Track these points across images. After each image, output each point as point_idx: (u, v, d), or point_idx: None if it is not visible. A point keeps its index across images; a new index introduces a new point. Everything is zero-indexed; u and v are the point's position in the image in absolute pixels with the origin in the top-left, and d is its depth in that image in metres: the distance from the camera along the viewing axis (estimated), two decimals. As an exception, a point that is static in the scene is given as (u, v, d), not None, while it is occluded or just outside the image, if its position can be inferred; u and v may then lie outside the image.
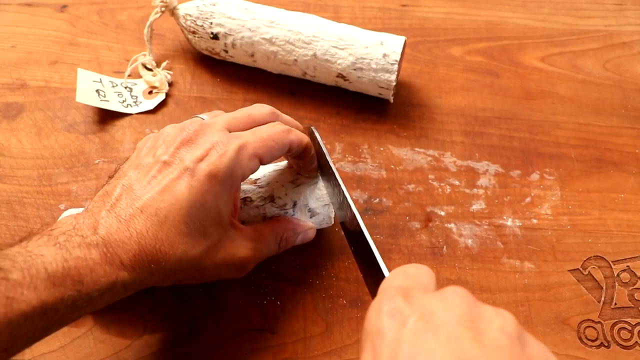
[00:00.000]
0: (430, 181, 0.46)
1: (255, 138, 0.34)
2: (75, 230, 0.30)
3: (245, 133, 0.34)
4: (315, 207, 0.39)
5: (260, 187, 0.38)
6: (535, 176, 0.46)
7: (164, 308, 0.40)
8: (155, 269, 0.31)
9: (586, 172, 0.46)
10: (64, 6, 0.54)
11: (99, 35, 0.52)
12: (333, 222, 0.41)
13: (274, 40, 0.46)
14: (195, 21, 0.47)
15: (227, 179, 0.32)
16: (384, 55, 0.44)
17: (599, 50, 0.53)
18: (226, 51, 0.48)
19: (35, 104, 0.48)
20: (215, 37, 0.47)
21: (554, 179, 0.46)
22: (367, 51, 0.45)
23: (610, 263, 0.43)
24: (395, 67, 0.45)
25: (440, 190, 0.45)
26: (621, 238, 0.44)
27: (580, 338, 0.40)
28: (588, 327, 0.40)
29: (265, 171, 0.40)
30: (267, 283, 0.41)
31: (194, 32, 0.48)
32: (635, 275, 0.42)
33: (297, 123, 0.39)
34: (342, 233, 0.43)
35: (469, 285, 0.41)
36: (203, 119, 0.35)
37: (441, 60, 0.52)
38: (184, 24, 0.48)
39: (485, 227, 0.44)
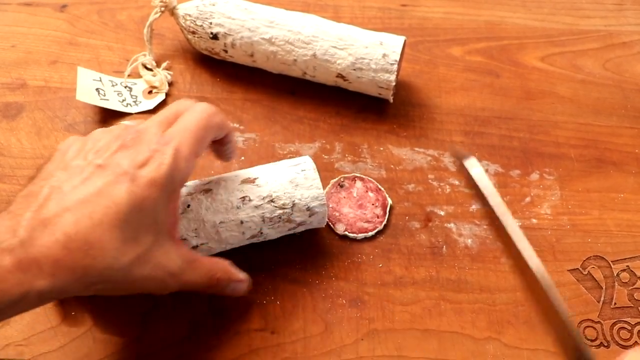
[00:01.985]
0: (430, 181, 0.46)
1: (187, 135, 0.33)
2: None
3: (176, 131, 0.33)
4: (314, 206, 0.39)
5: (258, 186, 0.38)
6: (535, 176, 0.46)
7: (164, 308, 0.40)
8: (80, 275, 0.28)
9: (586, 172, 0.46)
10: (64, 6, 0.54)
11: (99, 35, 0.52)
12: (326, 222, 0.41)
13: (273, 40, 0.46)
14: (194, 21, 0.47)
15: (168, 185, 0.32)
16: (384, 55, 0.44)
17: (599, 50, 0.53)
18: (226, 51, 0.48)
19: (35, 103, 0.48)
20: (214, 37, 0.47)
21: (553, 179, 0.46)
22: (366, 51, 0.45)
23: (610, 263, 0.43)
24: (395, 67, 0.45)
25: (440, 190, 0.45)
26: (621, 238, 0.44)
27: (579, 338, 0.40)
28: (588, 326, 0.40)
29: (263, 170, 0.40)
30: (267, 283, 0.41)
31: (193, 32, 0.48)
32: (635, 275, 0.42)
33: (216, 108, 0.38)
34: (342, 233, 0.43)
35: (468, 285, 0.41)
36: (133, 126, 0.35)
37: (441, 60, 0.52)
38: (183, 24, 0.48)
39: (485, 227, 0.44)
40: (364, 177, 0.45)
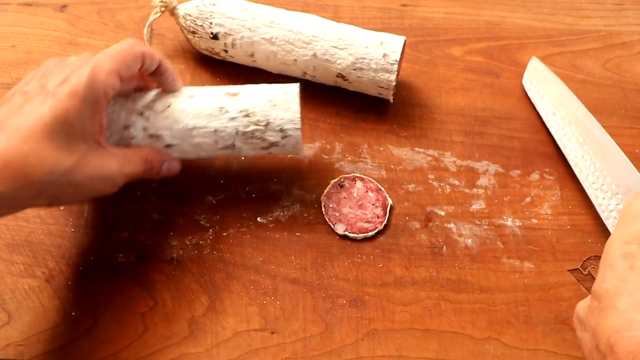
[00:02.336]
0: (430, 181, 0.46)
1: (106, 56, 0.36)
2: None
3: (97, 55, 0.37)
4: (288, 129, 0.40)
5: (238, 100, 0.40)
6: (535, 176, 0.46)
7: (164, 308, 0.40)
8: (23, 183, 0.32)
9: (586, 172, 0.46)
10: (64, 6, 0.54)
11: (99, 35, 0.52)
12: (302, 149, 0.42)
13: (273, 40, 0.46)
14: (195, 21, 0.47)
15: (89, 96, 0.34)
16: (384, 55, 0.44)
17: (599, 50, 0.53)
18: (226, 51, 0.48)
19: (35, 103, 0.48)
20: (215, 37, 0.47)
21: (553, 179, 0.46)
22: (367, 51, 0.45)
23: (610, 263, 0.42)
24: (395, 67, 0.44)
25: (440, 190, 0.45)
26: (621, 238, 0.44)
27: (580, 338, 0.40)
28: (588, 327, 0.40)
29: (249, 87, 0.41)
30: (267, 283, 0.41)
31: (193, 32, 0.48)
32: (635, 275, 0.42)
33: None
34: (343, 233, 0.43)
35: (469, 285, 0.41)
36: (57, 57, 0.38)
37: (441, 60, 0.52)
38: (183, 24, 0.48)
39: (485, 227, 0.44)
40: (364, 177, 0.45)
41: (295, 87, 0.41)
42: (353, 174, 0.45)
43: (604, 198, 0.43)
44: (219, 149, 0.41)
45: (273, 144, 0.40)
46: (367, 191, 0.44)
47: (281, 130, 0.40)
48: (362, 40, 0.45)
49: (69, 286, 0.40)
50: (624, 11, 0.56)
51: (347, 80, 0.46)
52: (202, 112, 0.39)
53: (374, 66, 0.45)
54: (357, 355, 0.39)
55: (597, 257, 0.43)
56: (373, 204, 0.44)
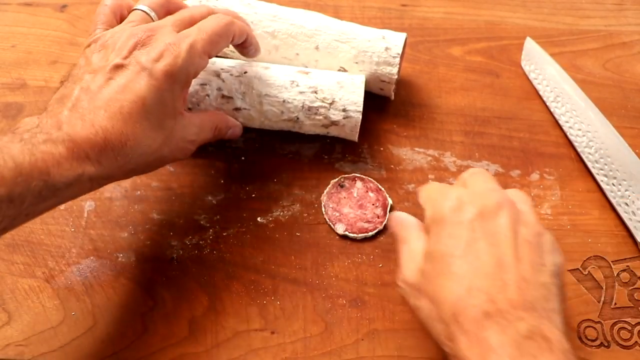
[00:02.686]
0: (430, 181, 0.46)
1: (202, 36, 0.37)
2: (39, 128, 0.32)
3: (192, 30, 0.37)
4: (350, 110, 0.42)
5: (309, 78, 0.43)
6: (535, 176, 0.46)
7: (164, 308, 0.40)
8: (122, 162, 0.33)
9: (586, 171, 0.46)
10: (64, 6, 0.54)
11: (99, 35, 0.52)
12: (357, 133, 0.44)
13: (276, 33, 0.46)
14: None
15: (182, 77, 0.36)
16: (386, 49, 0.45)
17: (599, 50, 0.53)
18: (228, 45, 0.47)
19: (35, 103, 0.48)
20: None
21: (553, 179, 0.46)
22: (369, 44, 0.45)
23: (610, 263, 0.43)
24: (397, 60, 0.45)
25: (440, 190, 0.45)
26: (621, 238, 0.44)
27: (580, 338, 0.40)
28: (588, 327, 0.40)
29: (320, 71, 0.44)
30: (267, 283, 0.41)
31: None
32: (635, 275, 0.42)
33: (235, 13, 0.43)
34: (343, 233, 0.43)
35: (468, 285, 0.41)
36: (146, 13, 0.38)
37: (441, 60, 0.52)
38: None
39: (485, 227, 0.44)
40: (364, 177, 0.45)
41: (361, 77, 0.44)
42: (353, 174, 0.45)
43: (613, 184, 0.43)
44: (283, 121, 0.44)
45: (334, 123, 0.43)
46: (367, 191, 0.44)
47: (344, 110, 0.42)
48: (364, 35, 0.45)
49: (69, 286, 0.40)
50: (624, 11, 0.56)
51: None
52: (275, 82, 0.43)
53: (376, 59, 0.45)
54: (357, 355, 0.39)
55: (597, 257, 0.43)
56: (373, 204, 0.44)
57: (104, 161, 0.32)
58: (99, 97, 0.33)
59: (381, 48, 0.45)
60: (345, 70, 0.46)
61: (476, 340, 0.27)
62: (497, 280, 0.29)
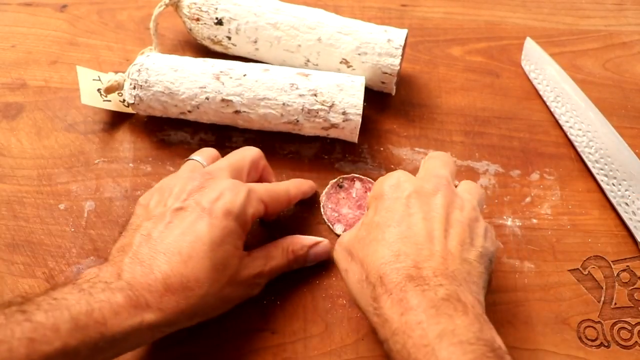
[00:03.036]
0: (430, 181, 0.46)
1: (262, 188, 0.38)
2: (98, 278, 0.31)
3: (252, 183, 0.38)
4: (350, 113, 0.42)
5: (309, 80, 0.43)
6: (535, 176, 0.46)
7: (164, 308, 0.40)
8: (184, 307, 0.32)
9: (586, 171, 0.46)
10: (64, 6, 0.54)
11: (99, 35, 0.52)
12: (357, 135, 0.44)
13: (278, 25, 0.46)
14: (200, 8, 0.47)
15: (241, 216, 0.35)
16: (389, 40, 0.45)
17: (599, 50, 0.53)
18: (229, 38, 0.48)
19: (35, 103, 0.48)
20: (219, 22, 0.47)
21: (553, 179, 0.46)
22: (371, 36, 0.45)
23: (610, 263, 0.43)
24: (400, 51, 0.45)
25: (440, 190, 0.45)
26: (621, 238, 0.44)
27: (580, 338, 0.40)
28: (588, 327, 0.40)
29: (320, 73, 0.44)
30: (267, 283, 0.41)
31: (197, 20, 0.47)
32: (635, 275, 0.42)
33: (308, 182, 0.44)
34: (341, 233, 0.43)
35: (468, 285, 0.41)
36: (199, 162, 0.39)
37: (441, 60, 0.52)
38: (187, 13, 0.48)
39: (485, 227, 0.44)
40: (363, 177, 0.45)
41: (361, 78, 0.43)
42: (352, 175, 0.45)
43: (613, 184, 0.43)
44: (283, 123, 0.44)
45: (333, 125, 0.43)
46: (365, 192, 0.44)
47: (343, 113, 0.42)
48: (366, 28, 0.46)
49: (69, 286, 0.40)
50: (624, 11, 0.56)
51: (351, 66, 0.46)
52: (274, 85, 0.43)
53: (378, 50, 0.45)
54: (357, 355, 0.39)
55: (597, 257, 0.43)
56: None
57: (165, 307, 0.31)
58: (159, 242, 0.33)
59: (383, 40, 0.45)
60: (347, 63, 0.46)
61: (398, 300, 0.29)
62: (424, 250, 0.31)
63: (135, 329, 0.30)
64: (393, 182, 0.35)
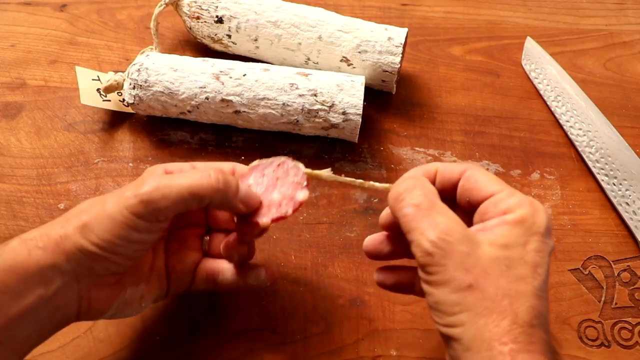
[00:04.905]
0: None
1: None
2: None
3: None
4: (350, 113, 0.42)
5: (309, 80, 0.43)
6: (535, 175, 0.46)
7: (164, 308, 0.40)
8: None
9: (586, 171, 0.46)
10: (64, 5, 0.54)
11: (99, 35, 0.52)
12: (357, 135, 0.44)
13: (279, 23, 0.46)
14: (200, 6, 0.47)
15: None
16: (389, 39, 0.45)
17: (600, 50, 0.53)
18: (229, 36, 0.47)
19: (34, 103, 0.48)
20: (220, 20, 0.47)
21: (554, 179, 0.46)
22: (372, 35, 0.45)
23: (611, 263, 0.42)
24: (400, 49, 0.45)
25: (440, 189, 0.45)
26: (622, 238, 0.44)
27: (580, 338, 0.40)
28: (588, 326, 0.40)
29: (319, 72, 0.44)
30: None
31: (197, 18, 0.47)
32: (636, 274, 0.42)
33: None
34: (343, 233, 0.43)
35: (469, 285, 0.41)
36: None
37: (441, 60, 0.52)
38: (187, 11, 0.47)
39: (486, 226, 0.44)
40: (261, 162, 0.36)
41: (361, 78, 0.43)
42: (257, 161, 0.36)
43: (614, 184, 0.43)
44: (282, 123, 0.44)
45: (333, 125, 0.43)
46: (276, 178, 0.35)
47: (343, 113, 0.42)
48: (367, 26, 0.46)
49: (69, 286, 0.40)
50: (624, 10, 0.56)
51: (352, 64, 0.46)
52: (274, 85, 0.43)
53: (379, 48, 0.45)
54: (357, 355, 0.38)
55: (598, 257, 0.43)
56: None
57: None
58: None
59: (384, 38, 0.45)
60: (347, 61, 0.46)
61: None
62: None
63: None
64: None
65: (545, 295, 0.27)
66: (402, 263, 0.35)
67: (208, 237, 0.37)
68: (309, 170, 0.34)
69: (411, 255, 0.33)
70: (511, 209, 0.28)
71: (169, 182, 0.30)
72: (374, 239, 0.34)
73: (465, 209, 0.30)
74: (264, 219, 0.33)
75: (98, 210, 0.30)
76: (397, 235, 0.33)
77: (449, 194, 0.31)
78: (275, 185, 0.34)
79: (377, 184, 0.34)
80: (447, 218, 0.28)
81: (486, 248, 0.27)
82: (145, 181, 0.30)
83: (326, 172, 0.34)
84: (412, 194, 0.29)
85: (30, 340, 0.30)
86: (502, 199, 0.29)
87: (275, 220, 0.33)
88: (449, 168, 0.31)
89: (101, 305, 0.32)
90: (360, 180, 0.34)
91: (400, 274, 0.34)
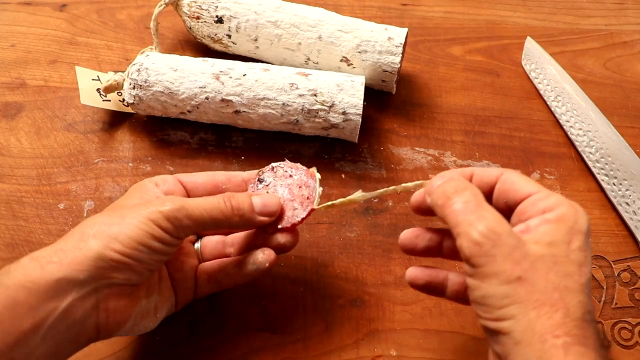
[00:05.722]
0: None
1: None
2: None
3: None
4: (350, 113, 0.42)
5: (309, 80, 0.43)
6: (535, 175, 0.46)
7: (164, 308, 0.40)
8: None
9: (586, 171, 0.46)
10: (64, 5, 0.54)
11: (99, 35, 0.52)
12: (357, 135, 0.44)
13: (279, 23, 0.46)
14: (200, 6, 0.47)
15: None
16: (389, 38, 0.45)
17: (600, 50, 0.53)
18: (229, 36, 0.47)
19: (34, 103, 0.48)
20: (219, 20, 0.47)
21: (554, 179, 0.46)
22: (372, 34, 0.45)
23: (611, 263, 0.42)
24: (400, 49, 0.45)
25: (440, 189, 0.45)
26: (622, 238, 0.44)
27: (580, 338, 0.40)
28: (588, 327, 0.40)
29: (320, 72, 0.44)
30: (267, 283, 0.41)
31: (197, 18, 0.47)
32: (636, 274, 0.42)
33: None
34: (343, 233, 0.43)
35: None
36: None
37: (441, 60, 0.52)
38: (187, 11, 0.47)
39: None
40: (281, 165, 0.38)
41: (361, 78, 0.43)
42: (271, 164, 0.39)
43: (614, 184, 0.43)
44: (282, 123, 0.44)
45: (333, 125, 0.43)
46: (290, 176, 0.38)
47: (343, 113, 0.42)
48: (367, 26, 0.46)
49: (69, 286, 0.40)
50: (624, 10, 0.56)
51: (352, 64, 0.46)
52: (274, 85, 0.43)
53: (379, 48, 0.45)
54: (357, 355, 0.38)
55: (597, 257, 0.43)
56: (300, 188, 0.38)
57: None
58: None
59: (384, 37, 0.45)
60: (347, 61, 0.46)
61: None
62: None
63: None
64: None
65: (591, 294, 0.27)
66: (433, 263, 0.35)
67: (199, 245, 0.38)
68: (340, 200, 0.36)
69: (447, 254, 0.33)
70: (551, 208, 0.28)
71: (192, 204, 0.33)
72: (411, 233, 0.35)
73: (503, 212, 0.30)
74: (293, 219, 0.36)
75: (119, 222, 0.31)
76: (434, 231, 0.34)
77: (485, 198, 0.31)
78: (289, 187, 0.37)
79: (409, 185, 0.35)
80: (495, 215, 0.28)
81: (532, 246, 0.27)
82: (167, 200, 0.32)
83: (359, 195, 0.36)
84: (462, 195, 0.29)
85: (47, 358, 0.29)
86: (540, 199, 0.29)
87: (300, 222, 0.36)
88: (486, 172, 0.32)
89: (120, 316, 0.31)
90: (393, 187, 0.35)
91: (433, 274, 0.34)
